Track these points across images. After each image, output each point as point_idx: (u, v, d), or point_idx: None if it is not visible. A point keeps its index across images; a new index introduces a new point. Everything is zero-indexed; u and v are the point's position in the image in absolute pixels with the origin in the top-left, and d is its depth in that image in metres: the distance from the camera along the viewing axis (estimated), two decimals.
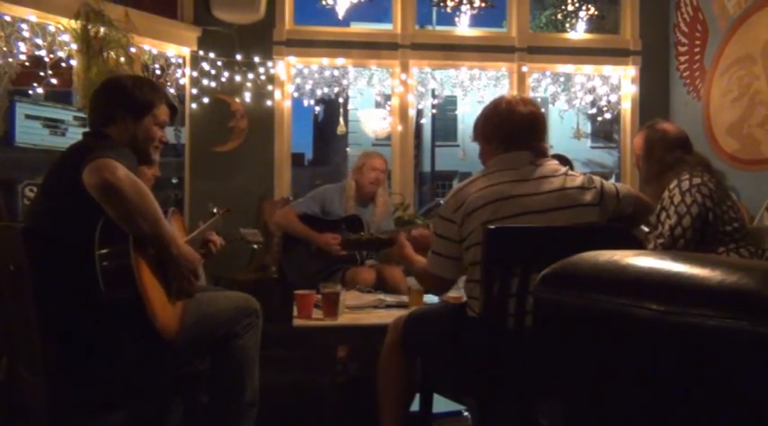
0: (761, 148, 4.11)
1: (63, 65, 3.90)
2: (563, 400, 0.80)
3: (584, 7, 5.21)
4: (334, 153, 19.53)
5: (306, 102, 5.13)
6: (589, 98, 5.28)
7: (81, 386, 1.65)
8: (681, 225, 2.34)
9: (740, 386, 0.56)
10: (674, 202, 2.37)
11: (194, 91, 4.66)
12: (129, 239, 1.55)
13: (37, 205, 1.83)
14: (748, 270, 0.60)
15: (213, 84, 4.66)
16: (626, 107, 5.23)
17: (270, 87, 4.77)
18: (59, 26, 3.79)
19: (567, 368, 0.77)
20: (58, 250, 1.59)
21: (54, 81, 3.90)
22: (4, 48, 3.64)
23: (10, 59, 3.67)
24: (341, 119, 5.30)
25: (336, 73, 5.02)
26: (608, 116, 5.40)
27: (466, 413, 2.62)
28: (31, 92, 4.07)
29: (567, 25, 5.41)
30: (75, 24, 3.78)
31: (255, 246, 4.04)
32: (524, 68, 5.07)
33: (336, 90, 5.07)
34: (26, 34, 3.71)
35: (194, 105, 4.69)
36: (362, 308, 2.52)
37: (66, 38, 3.81)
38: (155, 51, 4.44)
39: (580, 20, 5.26)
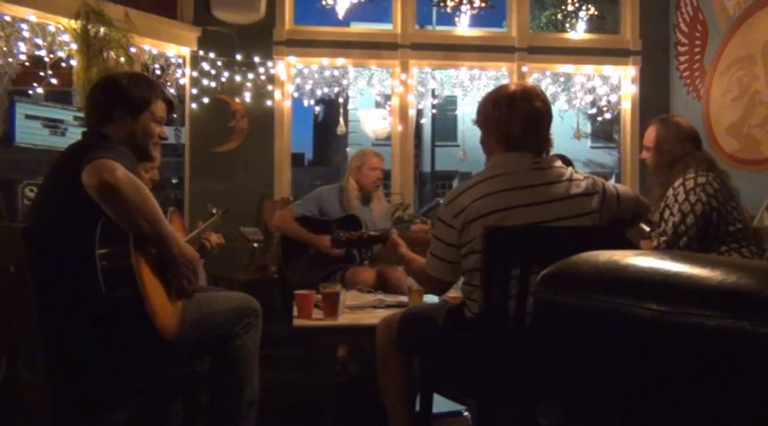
0: (761, 148, 4.11)
1: (63, 65, 3.90)
2: (563, 400, 0.80)
3: (584, 7, 5.21)
4: (334, 153, 19.53)
5: (306, 102, 5.13)
6: (589, 98, 5.28)
7: (81, 385, 1.65)
8: (684, 223, 2.34)
9: (740, 385, 0.56)
10: (679, 200, 2.38)
11: (194, 91, 4.66)
12: (130, 239, 1.55)
13: (37, 205, 1.83)
14: (748, 270, 0.60)
15: (213, 84, 4.66)
16: (626, 107, 5.23)
17: (270, 87, 4.77)
18: (59, 26, 3.79)
19: (566, 368, 0.77)
20: (59, 250, 1.59)
21: (54, 81, 3.90)
22: (4, 48, 3.64)
23: (10, 59, 3.67)
24: (341, 119, 5.30)
25: (336, 73, 5.02)
26: (608, 116, 5.40)
27: (466, 413, 2.62)
28: (31, 92, 4.06)
29: (567, 25, 5.41)
30: (75, 24, 3.78)
31: (256, 245, 4.03)
32: (524, 68, 5.07)
33: (336, 90, 5.07)
34: (26, 34, 3.71)
35: (194, 105, 4.69)
36: (362, 308, 2.52)
37: (66, 38, 3.81)
38: (155, 51, 4.44)
39: (580, 20, 5.26)
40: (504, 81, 5.18)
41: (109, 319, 1.56)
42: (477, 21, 5.05)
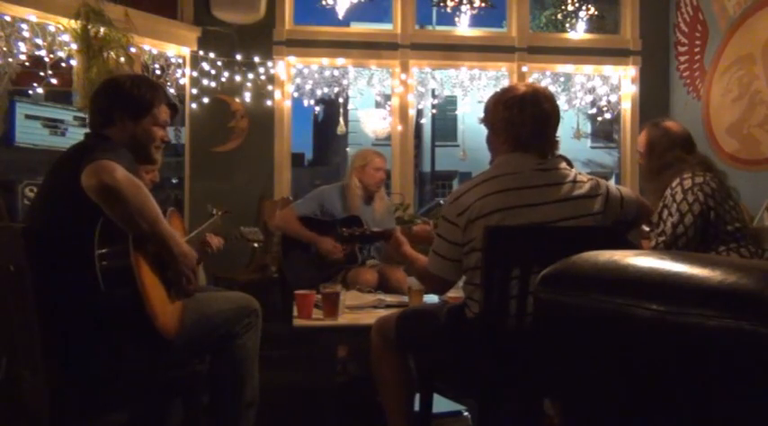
0: (761, 148, 4.11)
1: (63, 65, 3.90)
2: (563, 400, 0.80)
3: (584, 7, 5.21)
4: (334, 153, 19.53)
5: (306, 102, 5.13)
6: (589, 98, 5.28)
7: (81, 386, 1.65)
8: (683, 223, 2.35)
9: (740, 385, 0.56)
10: (677, 200, 2.38)
11: (194, 91, 4.66)
12: (129, 238, 1.55)
13: (37, 205, 1.83)
14: (748, 270, 0.60)
15: (213, 84, 4.66)
16: (626, 107, 5.23)
17: (270, 87, 4.77)
18: (59, 26, 3.79)
19: (566, 368, 0.77)
20: (58, 250, 1.59)
21: (54, 81, 3.90)
22: (4, 48, 3.64)
23: (10, 59, 3.67)
24: (341, 119, 5.30)
25: (336, 73, 5.02)
26: (608, 116, 5.41)
27: (466, 413, 2.62)
28: (31, 92, 4.07)
29: (567, 25, 5.41)
30: (75, 24, 3.78)
31: (256, 245, 4.03)
32: (524, 68, 5.07)
33: (336, 90, 5.07)
34: (26, 34, 3.71)
35: (194, 105, 4.69)
36: (362, 308, 2.52)
37: (66, 38, 3.81)
38: (155, 51, 4.44)
39: (580, 20, 5.26)
40: (505, 81, 5.18)
41: (108, 319, 1.57)
42: (477, 21, 5.05)
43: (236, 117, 4.77)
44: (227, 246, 2.30)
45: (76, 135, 4.46)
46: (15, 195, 4.04)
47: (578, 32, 5.27)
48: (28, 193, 3.99)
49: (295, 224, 3.32)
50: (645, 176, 2.60)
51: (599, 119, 5.60)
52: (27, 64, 3.83)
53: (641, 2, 5.14)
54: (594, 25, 6.03)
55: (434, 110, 5.88)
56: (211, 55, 4.64)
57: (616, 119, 5.47)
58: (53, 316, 1.56)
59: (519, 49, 5.06)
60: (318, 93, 5.03)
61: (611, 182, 2.02)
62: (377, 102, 8.11)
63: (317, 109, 5.68)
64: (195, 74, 4.64)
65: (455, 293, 2.23)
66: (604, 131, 16.90)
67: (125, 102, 1.82)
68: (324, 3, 4.71)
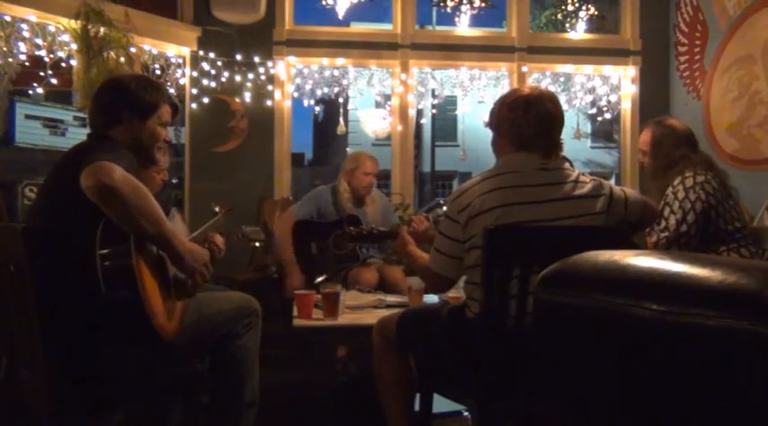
0: (761, 148, 4.11)
1: (63, 65, 3.90)
2: (563, 400, 0.80)
3: (584, 7, 5.21)
4: (334, 153, 19.52)
5: (306, 102, 5.13)
6: (589, 98, 5.28)
7: (81, 385, 1.65)
8: (685, 221, 2.35)
9: (740, 385, 0.56)
10: (678, 198, 2.38)
11: (194, 91, 4.66)
12: (131, 239, 1.55)
13: (38, 205, 1.83)
14: (748, 270, 0.60)
15: (213, 84, 4.66)
16: (626, 107, 5.23)
17: (270, 87, 4.77)
18: (59, 26, 3.79)
19: (566, 367, 0.77)
20: (59, 250, 1.59)
21: (54, 81, 3.90)
22: (4, 48, 3.64)
23: (10, 59, 3.67)
24: (341, 119, 5.30)
25: (336, 73, 5.02)
26: (608, 116, 5.40)
27: (466, 413, 2.62)
28: (31, 92, 4.06)
29: (567, 25, 5.41)
30: (75, 24, 3.78)
31: (257, 244, 4.03)
32: (524, 68, 5.07)
33: (336, 90, 5.07)
34: (26, 34, 3.71)
35: (194, 105, 4.69)
36: (362, 308, 2.53)
37: (66, 38, 3.81)
38: (155, 51, 4.44)
39: (580, 20, 5.26)
40: (505, 81, 5.19)
41: (108, 319, 1.56)
42: (477, 21, 5.05)
43: (236, 117, 4.76)
44: (227, 245, 2.30)
45: (76, 135, 4.46)
46: (15, 195, 4.03)
47: (578, 32, 5.27)
48: (28, 193, 3.99)
49: (287, 244, 3.30)
50: (651, 174, 2.59)
51: (599, 119, 5.60)
52: (27, 64, 3.83)
53: (641, 2, 5.14)
54: (594, 25, 6.03)
55: (434, 110, 5.88)
56: (211, 55, 4.64)
57: (616, 119, 5.47)
58: (53, 316, 1.56)
59: (519, 49, 5.06)
60: (318, 93, 5.03)
61: (611, 182, 2.02)
62: (377, 102, 8.11)
63: (317, 109, 5.67)
64: (195, 74, 4.64)
65: (456, 293, 2.23)
66: (604, 131, 16.90)
67: (132, 101, 1.81)
68: (324, 3, 4.71)
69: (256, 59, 4.73)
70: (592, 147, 18.62)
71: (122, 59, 3.90)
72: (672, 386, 0.62)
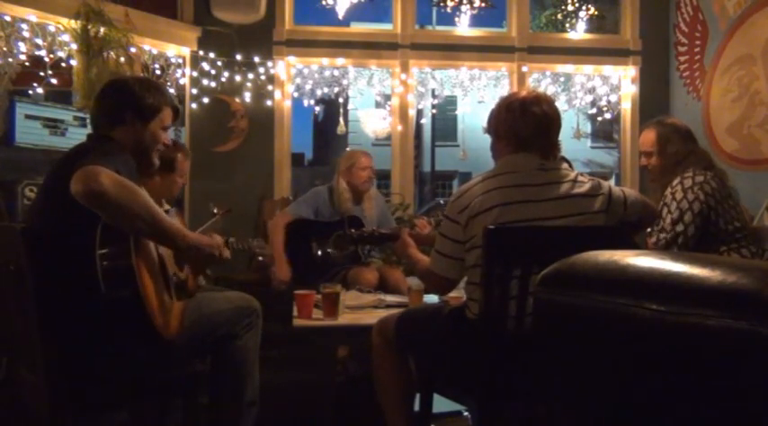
0: (761, 148, 4.11)
1: (63, 65, 3.89)
2: (563, 400, 0.80)
3: (584, 7, 5.21)
4: (334, 153, 19.47)
5: (306, 102, 5.13)
6: (589, 98, 5.28)
7: (81, 386, 1.65)
8: (682, 221, 2.36)
9: (740, 385, 0.56)
10: (677, 198, 2.39)
11: (194, 91, 4.66)
12: (130, 239, 1.55)
13: (37, 205, 1.83)
14: (748, 270, 0.60)
15: (213, 84, 4.66)
16: (626, 107, 5.23)
17: (270, 87, 4.77)
18: (59, 26, 3.79)
19: (566, 367, 0.77)
20: (58, 250, 1.59)
21: (54, 81, 3.89)
22: (4, 48, 3.64)
23: (10, 59, 3.67)
24: (341, 119, 5.29)
25: (336, 73, 5.02)
26: (608, 116, 5.40)
27: (466, 413, 2.62)
28: (31, 92, 4.06)
29: (567, 25, 5.40)
30: (75, 24, 3.78)
31: (261, 258, 4.05)
32: (524, 68, 5.07)
33: (336, 90, 5.06)
34: (26, 34, 3.71)
35: (194, 105, 4.69)
36: (362, 308, 2.53)
37: (66, 38, 3.80)
38: (155, 51, 4.44)
39: (580, 20, 5.26)
40: (504, 81, 5.19)
41: (108, 319, 1.56)
42: (477, 21, 5.05)
43: (236, 117, 4.76)
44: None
45: (76, 135, 4.45)
46: (15, 195, 4.03)
47: (578, 32, 5.27)
48: (28, 193, 3.98)
49: (278, 236, 3.32)
50: (659, 173, 2.59)
51: (599, 119, 5.60)
52: (27, 64, 3.83)
53: (641, 2, 5.13)
54: (594, 25, 6.02)
55: (434, 110, 5.88)
56: (211, 55, 4.64)
57: (616, 119, 5.47)
58: (53, 317, 1.56)
59: (519, 49, 5.06)
60: (318, 93, 5.03)
61: (613, 183, 2.02)
62: (377, 102, 8.11)
63: (317, 109, 5.67)
64: (195, 74, 4.64)
65: (456, 293, 2.23)
66: (604, 131, 16.89)
67: (136, 103, 1.81)
68: (324, 3, 4.71)
69: (256, 59, 4.73)
70: (592, 147, 18.62)
71: (122, 59, 3.90)
72: (672, 386, 0.62)
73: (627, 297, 0.66)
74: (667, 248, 2.39)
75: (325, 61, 4.92)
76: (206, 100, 4.67)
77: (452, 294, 2.23)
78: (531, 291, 1.60)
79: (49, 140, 4.41)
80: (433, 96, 5.56)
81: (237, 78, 4.69)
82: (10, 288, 1.61)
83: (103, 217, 1.52)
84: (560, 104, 5.35)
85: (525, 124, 1.82)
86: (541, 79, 5.28)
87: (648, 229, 2.51)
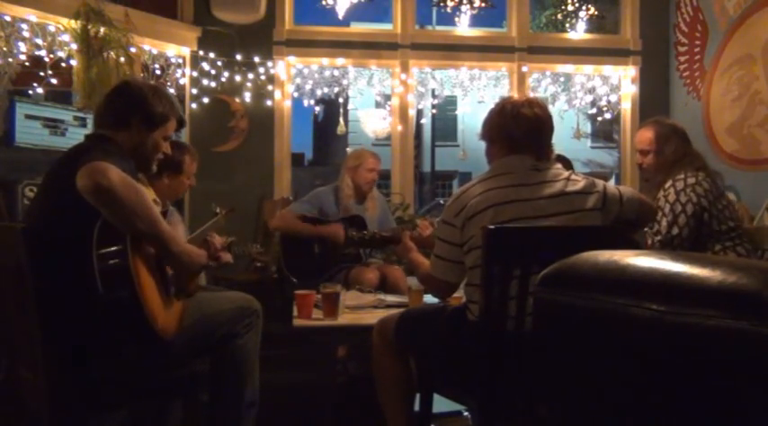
0: (761, 148, 4.11)
1: (63, 65, 3.89)
2: (563, 400, 0.80)
3: (584, 7, 5.21)
4: (334, 153, 19.51)
5: (306, 102, 5.13)
6: (589, 98, 5.28)
7: (81, 386, 1.65)
8: (677, 223, 2.37)
9: (740, 386, 0.56)
10: (670, 201, 2.41)
11: (194, 91, 4.66)
12: (127, 239, 1.55)
13: (35, 206, 1.82)
14: (748, 270, 0.60)
15: (213, 84, 4.66)
16: (626, 107, 5.23)
17: (270, 87, 4.77)
18: (59, 26, 3.79)
19: (566, 367, 0.77)
20: (56, 251, 1.59)
21: (54, 81, 3.89)
22: (4, 48, 3.64)
23: (10, 59, 3.67)
24: (341, 119, 5.30)
25: (336, 73, 5.02)
26: (608, 116, 5.40)
27: (466, 413, 2.62)
28: (31, 92, 4.06)
29: (567, 25, 5.41)
30: (75, 24, 3.78)
31: (259, 265, 4.06)
32: (524, 68, 5.07)
33: (336, 90, 5.07)
34: (26, 34, 3.71)
35: (194, 105, 4.69)
36: (362, 308, 2.52)
37: (66, 38, 3.80)
38: (155, 51, 4.44)
39: (580, 20, 5.26)
40: (504, 81, 5.19)
41: (107, 320, 1.56)
42: (477, 21, 5.05)
43: (236, 117, 4.76)
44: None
45: (76, 135, 4.45)
46: (15, 195, 4.03)
47: (578, 32, 5.27)
48: (28, 193, 3.98)
49: (296, 222, 3.34)
50: (653, 171, 2.60)
51: (599, 119, 5.60)
52: (27, 64, 3.83)
53: (641, 2, 5.14)
54: (594, 25, 6.03)
55: (434, 110, 5.88)
56: (211, 55, 4.64)
57: (616, 119, 5.47)
58: (52, 317, 1.56)
59: (519, 49, 5.06)
60: (318, 93, 5.03)
61: (613, 183, 2.03)
62: (377, 102, 8.12)
63: (317, 109, 5.67)
64: (195, 74, 4.64)
65: (456, 294, 2.23)
66: (604, 131, 16.90)
67: (145, 109, 1.81)
68: (324, 3, 4.71)
69: (256, 59, 4.73)
70: (592, 147, 18.62)
71: (122, 59, 3.90)
72: (671, 385, 0.62)
73: (627, 297, 0.66)
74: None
75: (325, 61, 4.93)
76: (206, 100, 4.67)
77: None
78: (531, 291, 1.60)
79: (49, 140, 4.41)
80: (433, 96, 5.56)
81: (237, 78, 4.69)
82: (10, 288, 1.61)
83: (105, 213, 1.52)
84: (560, 104, 5.35)
85: (517, 126, 1.85)
86: (541, 79, 5.28)
87: (647, 228, 2.52)
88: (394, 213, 4.33)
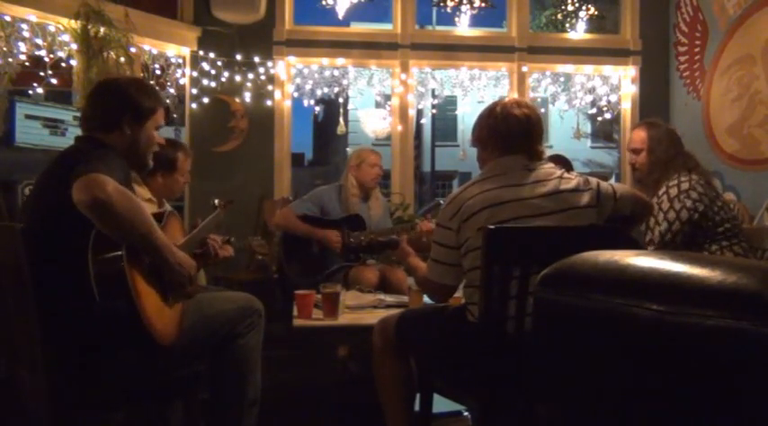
0: (761, 148, 4.11)
1: (63, 65, 3.89)
2: (563, 400, 0.80)
3: (584, 7, 5.21)
4: (334, 153, 19.51)
5: (306, 102, 5.13)
6: (589, 98, 5.28)
7: (81, 386, 1.65)
8: (671, 231, 2.37)
9: (740, 386, 0.56)
10: (663, 209, 2.40)
11: (194, 91, 4.66)
12: (123, 247, 1.53)
13: (30, 204, 1.79)
14: (748, 270, 0.60)
15: (213, 84, 4.66)
16: (626, 107, 5.23)
17: (270, 87, 4.77)
18: (59, 26, 3.79)
19: (566, 367, 0.77)
20: (51, 250, 1.58)
21: (54, 81, 3.89)
22: (4, 48, 3.64)
23: (10, 59, 3.67)
24: (341, 119, 5.30)
25: (336, 73, 5.02)
26: (608, 116, 5.40)
27: (466, 413, 2.62)
28: (31, 92, 4.06)
29: (567, 25, 5.40)
30: (75, 24, 3.78)
31: (260, 257, 4.05)
32: (524, 68, 5.07)
33: (336, 90, 5.07)
34: (26, 34, 3.71)
35: (194, 105, 4.69)
36: (362, 308, 2.52)
37: (66, 38, 3.81)
38: (155, 51, 4.44)
39: (580, 20, 5.26)
40: (504, 81, 5.19)
41: (104, 326, 1.54)
42: (477, 21, 5.05)
43: (236, 117, 4.76)
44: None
45: (76, 135, 4.45)
46: (15, 195, 4.03)
47: (578, 32, 5.27)
48: (28, 193, 3.98)
49: (296, 221, 3.35)
50: (646, 171, 2.60)
51: (599, 119, 5.59)
52: (27, 64, 3.82)
53: (641, 2, 5.14)
54: (594, 25, 6.02)
55: (434, 110, 5.88)
56: (211, 55, 4.64)
57: (616, 119, 5.47)
58: (51, 319, 1.56)
59: (519, 49, 5.06)
60: (318, 93, 5.03)
61: (610, 181, 2.03)
62: (377, 102, 8.12)
63: (317, 109, 5.67)
64: (195, 74, 4.64)
65: (456, 293, 2.23)
66: (604, 131, 16.88)
67: (132, 107, 1.79)
68: (324, 3, 4.71)
69: (256, 59, 4.73)
70: (592, 147, 18.61)
71: (122, 59, 3.90)
72: (672, 385, 0.62)
73: (627, 297, 0.66)
74: None
75: (325, 61, 4.93)
76: (206, 100, 4.67)
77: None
78: (531, 291, 1.60)
79: (49, 140, 4.41)
80: (433, 96, 5.56)
81: (237, 78, 4.69)
82: (10, 288, 1.61)
83: (101, 226, 1.50)
84: (560, 104, 5.36)
85: (508, 126, 1.86)
86: (541, 79, 5.28)
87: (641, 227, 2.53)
88: (394, 213, 4.33)
